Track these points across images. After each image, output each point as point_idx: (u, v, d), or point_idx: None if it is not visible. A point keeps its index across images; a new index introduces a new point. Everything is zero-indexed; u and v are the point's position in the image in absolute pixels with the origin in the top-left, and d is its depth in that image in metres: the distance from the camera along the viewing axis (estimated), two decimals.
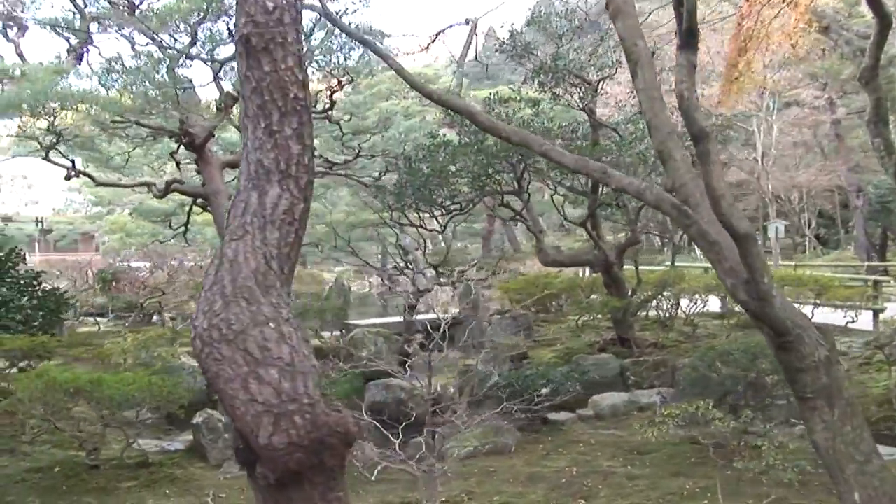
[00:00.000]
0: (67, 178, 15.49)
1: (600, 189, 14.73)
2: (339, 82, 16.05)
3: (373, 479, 7.49)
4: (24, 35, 16.41)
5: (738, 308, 17.64)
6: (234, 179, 19.66)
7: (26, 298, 10.68)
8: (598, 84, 14.64)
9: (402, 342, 16.92)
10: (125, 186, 19.50)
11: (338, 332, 16.02)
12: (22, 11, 16.28)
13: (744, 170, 32.59)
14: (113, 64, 14.95)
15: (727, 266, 6.34)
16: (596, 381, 13.12)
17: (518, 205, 15.01)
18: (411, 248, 23.71)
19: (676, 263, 23.35)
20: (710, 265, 7.90)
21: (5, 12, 15.81)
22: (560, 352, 14.92)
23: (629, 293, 14.92)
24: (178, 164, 16.85)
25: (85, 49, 15.76)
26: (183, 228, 18.64)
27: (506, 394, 10.36)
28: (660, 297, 15.37)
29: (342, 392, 9.55)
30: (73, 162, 15.61)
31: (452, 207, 14.97)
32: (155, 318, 19.05)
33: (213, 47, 15.60)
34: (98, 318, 18.37)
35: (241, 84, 4.71)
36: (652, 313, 16.38)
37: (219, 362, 3.98)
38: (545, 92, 14.38)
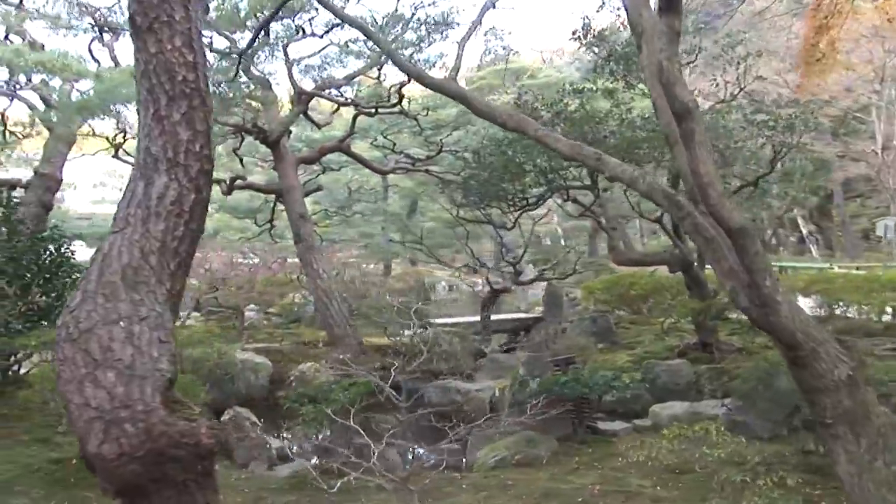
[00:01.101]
0: None
1: (680, 183, 13.71)
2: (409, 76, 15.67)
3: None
4: (117, 39, 17.01)
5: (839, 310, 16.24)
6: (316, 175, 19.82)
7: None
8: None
9: (480, 342, 16.50)
10: None
11: (410, 332, 15.67)
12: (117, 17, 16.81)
13: (864, 163, 29.67)
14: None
15: (726, 266, 5.53)
16: (667, 388, 12.30)
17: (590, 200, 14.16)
18: (513, 245, 23.20)
19: (784, 264, 21.60)
20: (820, 265, 6.94)
21: (101, 18, 16.39)
22: (637, 356, 14.04)
23: (712, 295, 13.77)
24: (241, 160, 17.05)
25: None
26: (268, 225, 18.87)
27: (542, 401, 9.73)
28: None
29: (356, 393, 9.15)
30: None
31: (522, 203, 14.29)
32: (250, 314, 19.33)
33: (287, 44, 15.67)
34: (194, 313, 18.88)
35: (135, 68, 4.45)
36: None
37: (61, 362, 3.71)
38: (617, 80, 13.47)
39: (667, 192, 5.73)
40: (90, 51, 16.75)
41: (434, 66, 17.33)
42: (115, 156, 15.57)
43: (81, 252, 24.73)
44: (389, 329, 15.33)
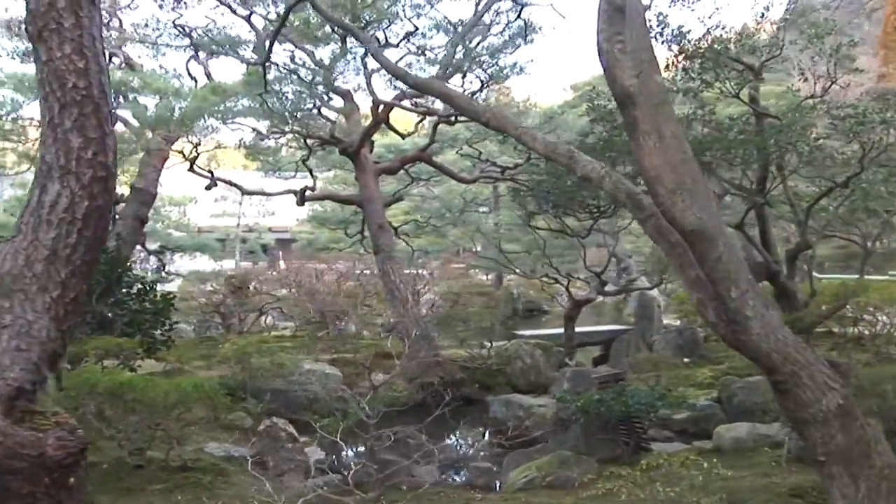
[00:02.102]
0: (208, 188, 16.50)
1: (768, 185, 12.68)
2: (483, 83, 15.41)
3: None
4: (212, 57, 17.69)
5: None
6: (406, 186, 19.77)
7: (135, 302, 11.31)
8: (760, 67, 12.55)
9: (564, 355, 15.97)
10: (269, 195, 20.42)
11: (490, 345, 15.33)
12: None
13: None
14: (286, 74, 15.63)
15: (692, 275, 4.91)
16: (743, 407, 11.40)
17: None
18: (625, 255, 22.39)
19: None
20: None
21: (196, 37, 17.07)
22: (720, 372, 13.11)
23: (803, 306, 12.61)
24: (310, 171, 17.18)
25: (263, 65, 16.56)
26: (359, 236, 19.00)
27: (581, 420, 9.18)
28: (845, 311, 12.79)
29: (377, 404, 8.97)
30: (211, 173, 16.57)
31: (595, 211, 13.64)
32: (349, 325, 19.51)
33: (364, 54, 15.74)
34: (287, 323, 19.30)
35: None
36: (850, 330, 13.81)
37: None
38: (693, 80, 12.59)
39: (629, 190, 5.16)
40: (187, 69, 17.49)
41: (522, 70, 16.96)
42: (190, 169, 16.16)
43: (202, 263, 26.07)
44: (466, 342, 15.02)
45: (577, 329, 16.36)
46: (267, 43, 15.66)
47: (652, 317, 16.44)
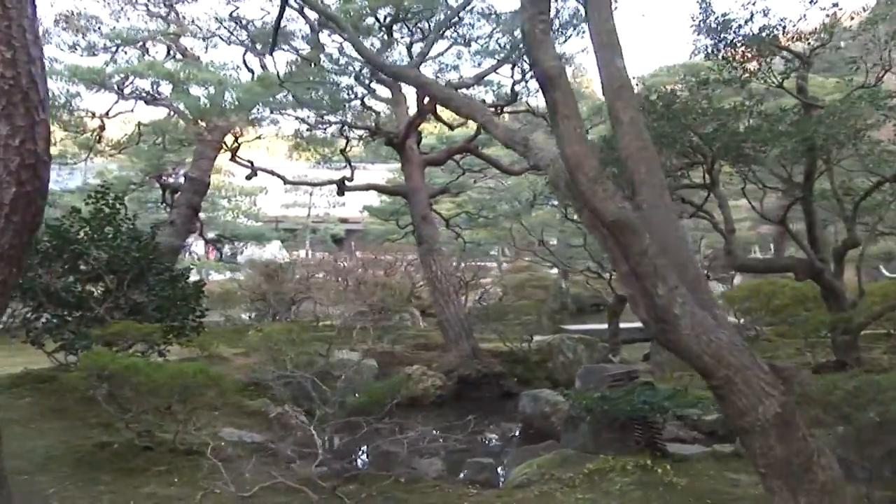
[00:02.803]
0: (248, 177, 16.76)
1: (815, 178, 12.07)
2: (524, 74, 15.18)
3: None
4: (269, 51, 18.00)
5: None
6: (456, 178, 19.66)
7: (164, 289, 11.61)
8: (809, 54, 11.95)
9: (609, 351, 15.68)
10: (312, 185, 20.55)
11: (535, 339, 15.13)
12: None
13: None
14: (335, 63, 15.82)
15: (624, 270, 4.70)
16: None
17: (711, 200, 12.81)
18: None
19: None
20: None
21: (252, 30, 17.43)
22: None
23: (850, 306, 11.99)
24: (348, 162, 17.23)
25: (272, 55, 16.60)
26: (411, 227, 18.98)
27: (588, 418, 8.94)
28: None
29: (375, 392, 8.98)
30: (251, 163, 16.81)
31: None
32: (396, 316, 19.60)
33: (410, 45, 15.75)
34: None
35: None
36: None
37: None
38: (735, 69, 12.08)
39: (569, 180, 4.94)
40: (244, 61, 17.85)
41: (572, 60, 16.69)
42: (232, 159, 16.48)
43: (274, 252, 26.68)
44: (506, 336, 14.88)
45: (627, 325, 15.96)
46: (312, 33, 15.98)
47: None
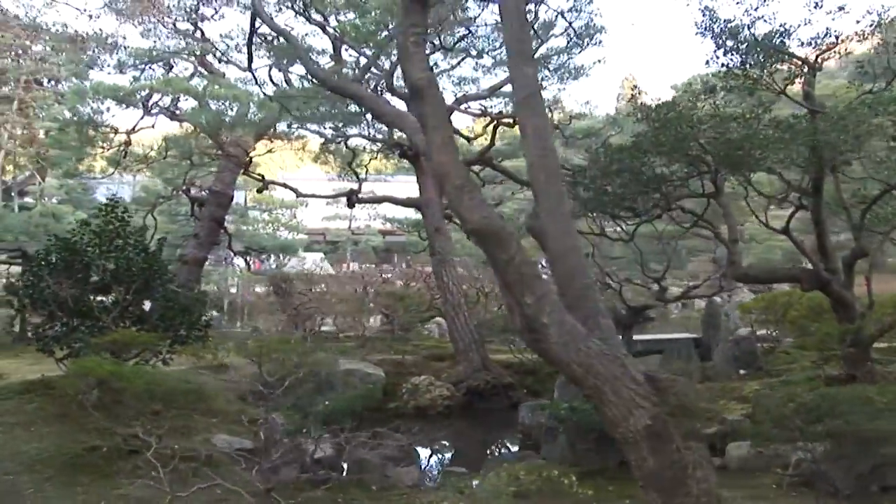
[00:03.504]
0: (259, 190, 17.08)
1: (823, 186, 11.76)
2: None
3: None
4: (292, 64, 18.40)
5: None
6: None
7: (170, 300, 11.98)
8: (816, 60, 11.66)
9: None
10: (324, 198, 20.73)
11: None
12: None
13: None
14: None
15: (504, 279, 4.65)
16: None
17: (713, 210, 12.59)
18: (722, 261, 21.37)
19: None
20: None
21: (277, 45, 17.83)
22: (771, 386, 12.26)
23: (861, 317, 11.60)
24: (356, 175, 17.40)
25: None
26: None
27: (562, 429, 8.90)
28: None
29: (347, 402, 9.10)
30: (262, 176, 17.12)
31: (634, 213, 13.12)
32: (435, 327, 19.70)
33: (429, 54, 15.89)
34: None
35: None
36: None
37: None
38: (736, 78, 11.87)
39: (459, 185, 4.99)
40: (269, 76, 18.26)
41: (588, 72, 16.69)
42: (245, 172, 16.84)
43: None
44: (518, 347, 14.87)
45: (643, 337, 15.77)
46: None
47: (718, 325, 15.60)
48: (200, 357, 12.09)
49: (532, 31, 15.55)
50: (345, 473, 9.25)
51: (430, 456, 12.26)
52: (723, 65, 11.83)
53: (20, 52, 27.32)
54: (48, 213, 17.85)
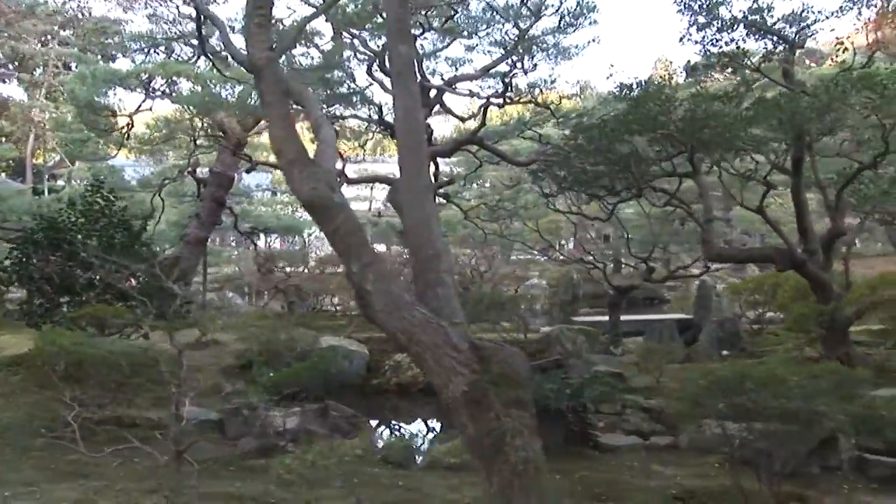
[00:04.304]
0: (248, 171, 17.29)
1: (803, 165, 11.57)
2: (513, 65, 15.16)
3: None
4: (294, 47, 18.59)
5: None
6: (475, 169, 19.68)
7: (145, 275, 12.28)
8: (795, 37, 11.44)
9: (609, 342, 15.51)
10: None
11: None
12: None
13: None
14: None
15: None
16: None
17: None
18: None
19: None
20: None
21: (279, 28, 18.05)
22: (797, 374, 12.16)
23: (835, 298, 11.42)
24: (340, 155, 17.47)
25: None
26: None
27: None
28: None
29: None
30: (249, 157, 17.28)
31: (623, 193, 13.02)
32: None
33: (414, 40, 15.95)
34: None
35: None
36: None
37: None
38: (714, 54, 11.73)
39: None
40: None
41: (582, 51, 16.58)
42: (234, 154, 17.04)
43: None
44: (499, 325, 14.94)
45: (632, 317, 15.68)
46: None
47: (709, 307, 15.42)
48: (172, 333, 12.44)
49: (527, 10, 15.54)
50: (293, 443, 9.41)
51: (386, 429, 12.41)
52: (695, 42, 11.68)
53: (48, 37, 28.19)
54: (62, 196, 18.38)
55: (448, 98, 17.31)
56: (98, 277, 12.27)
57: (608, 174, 11.98)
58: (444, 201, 18.96)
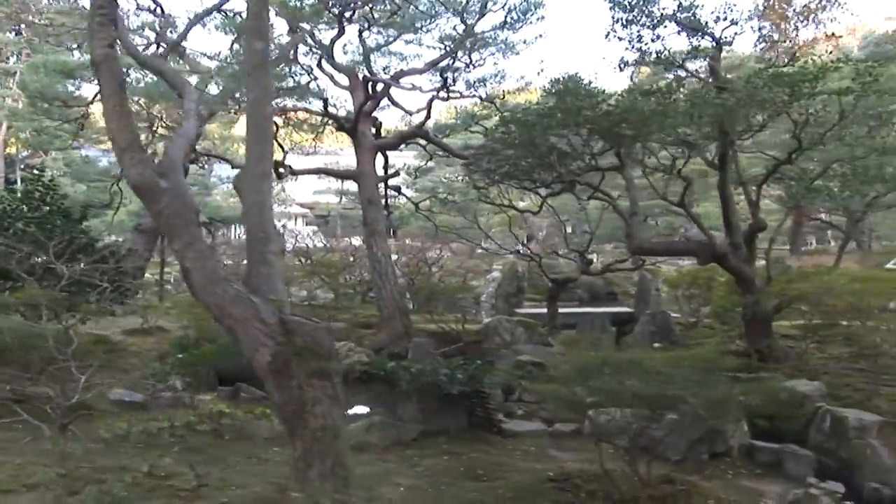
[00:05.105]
0: (191, 162, 17.49)
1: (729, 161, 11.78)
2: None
3: None
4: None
5: None
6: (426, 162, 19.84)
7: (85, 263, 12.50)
8: (721, 34, 11.68)
9: (548, 334, 15.73)
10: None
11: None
12: None
13: None
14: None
15: None
16: None
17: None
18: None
19: None
20: None
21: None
22: (674, 359, 12.35)
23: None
24: (281, 147, 17.65)
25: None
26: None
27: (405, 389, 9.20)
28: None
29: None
30: (193, 149, 17.42)
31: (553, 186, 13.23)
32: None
33: (360, 34, 16.23)
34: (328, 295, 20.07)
35: None
36: None
37: None
38: (639, 51, 11.95)
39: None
40: (231, 51, 18.63)
41: (529, 46, 16.85)
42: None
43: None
44: (437, 315, 15.15)
45: (572, 310, 15.90)
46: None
47: (648, 300, 15.64)
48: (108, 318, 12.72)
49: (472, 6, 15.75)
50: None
51: None
52: (620, 38, 11.89)
53: (20, 26, 28.23)
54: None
55: (406, 92, 17.53)
56: (38, 263, 12.48)
57: (534, 168, 12.19)
58: (396, 193, 19.17)
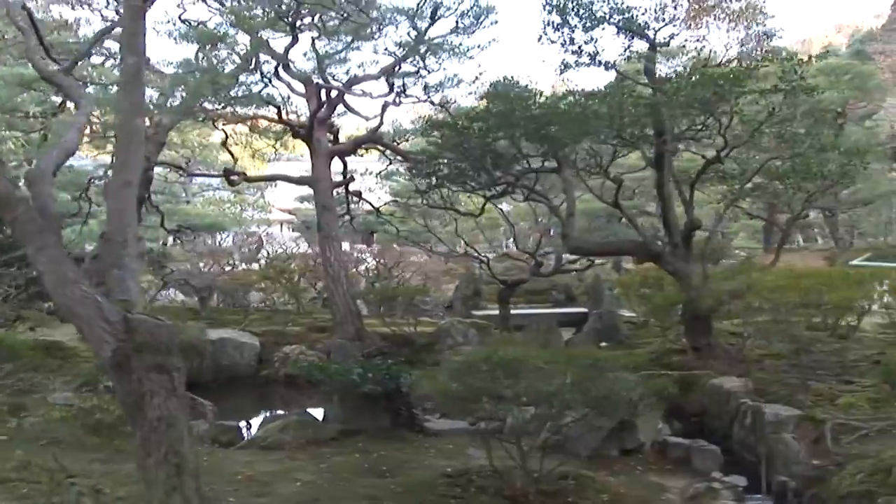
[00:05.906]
0: (146, 170, 17.71)
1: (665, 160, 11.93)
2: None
3: None
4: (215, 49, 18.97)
5: None
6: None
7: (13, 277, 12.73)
8: (655, 36, 11.81)
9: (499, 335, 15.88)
10: (203, 176, 21.06)
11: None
12: None
13: None
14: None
15: None
16: None
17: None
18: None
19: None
20: None
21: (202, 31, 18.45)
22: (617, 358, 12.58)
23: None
24: (231, 153, 17.85)
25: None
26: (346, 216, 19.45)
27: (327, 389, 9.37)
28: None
29: None
30: (147, 158, 17.60)
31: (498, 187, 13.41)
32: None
33: (312, 43, 16.47)
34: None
35: None
36: None
37: None
38: (568, 52, 12.08)
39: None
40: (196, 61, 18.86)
41: (485, 50, 17.03)
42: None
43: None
44: (389, 318, 15.33)
45: (525, 311, 16.08)
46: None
47: (601, 300, 15.82)
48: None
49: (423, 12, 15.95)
50: None
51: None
52: (551, 41, 12.02)
53: None
54: None
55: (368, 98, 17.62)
56: None
57: (469, 171, 12.37)
58: (357, 199, 19.38)
